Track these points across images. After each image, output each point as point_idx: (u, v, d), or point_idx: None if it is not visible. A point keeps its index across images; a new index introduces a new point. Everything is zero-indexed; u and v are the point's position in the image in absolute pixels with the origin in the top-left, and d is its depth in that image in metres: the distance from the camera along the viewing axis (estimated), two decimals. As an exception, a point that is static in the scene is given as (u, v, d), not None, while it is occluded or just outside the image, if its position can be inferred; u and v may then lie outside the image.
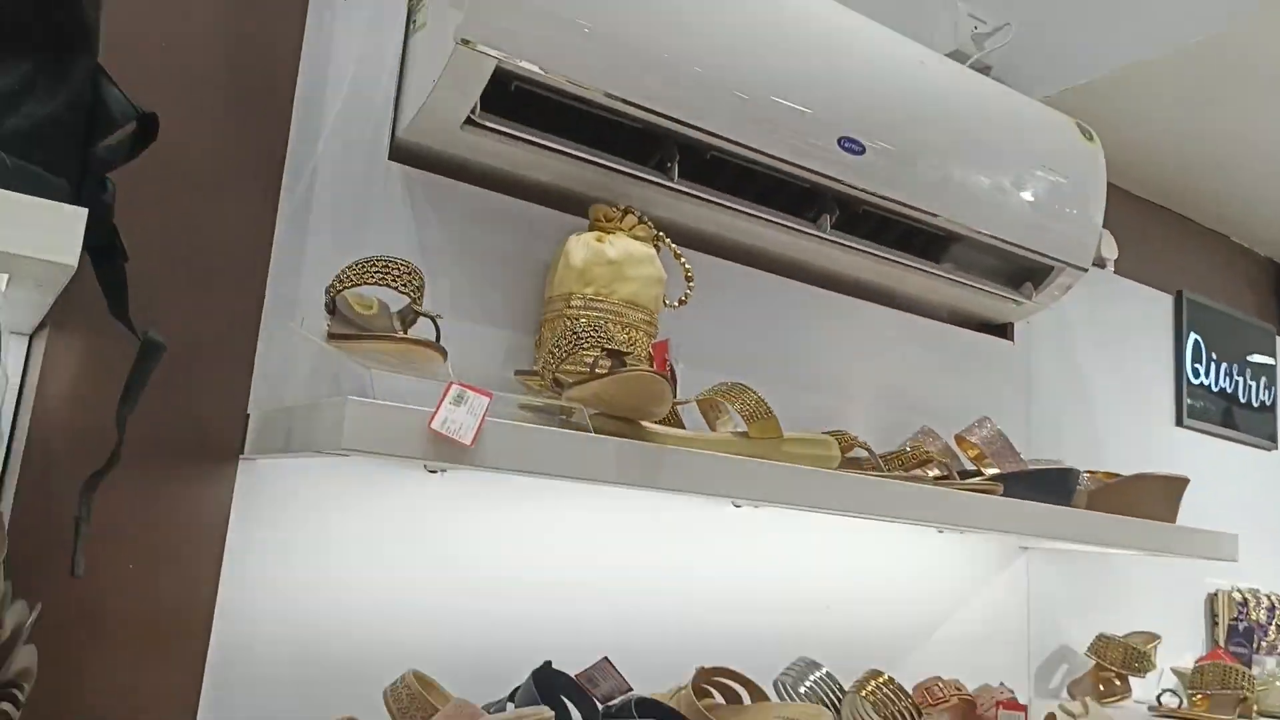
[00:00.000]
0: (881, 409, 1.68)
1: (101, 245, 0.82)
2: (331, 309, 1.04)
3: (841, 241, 1.50)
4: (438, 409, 0.85)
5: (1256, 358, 2.42)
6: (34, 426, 0.92)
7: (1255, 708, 1.77)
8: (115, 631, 0.94)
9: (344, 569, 1.13)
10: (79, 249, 0.71)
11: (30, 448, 0.91)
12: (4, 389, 0.80)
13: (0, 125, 0.72)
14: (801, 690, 1.34)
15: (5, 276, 0.78)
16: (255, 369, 1.07)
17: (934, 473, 1.32)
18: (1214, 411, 2.28)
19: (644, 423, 1.06)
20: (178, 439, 1.00)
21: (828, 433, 1.26)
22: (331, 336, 1.00)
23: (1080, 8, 1.87)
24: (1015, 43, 1.94)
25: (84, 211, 0.70)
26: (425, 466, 1.20)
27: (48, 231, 0.70)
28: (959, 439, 1.50)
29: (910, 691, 1.40)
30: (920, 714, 1.28)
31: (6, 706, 0.70)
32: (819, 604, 1.57)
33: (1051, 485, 1.40)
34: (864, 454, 1.30)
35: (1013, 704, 1.43)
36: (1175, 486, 1.54)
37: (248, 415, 1.06)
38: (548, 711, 1.00)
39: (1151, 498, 1.52)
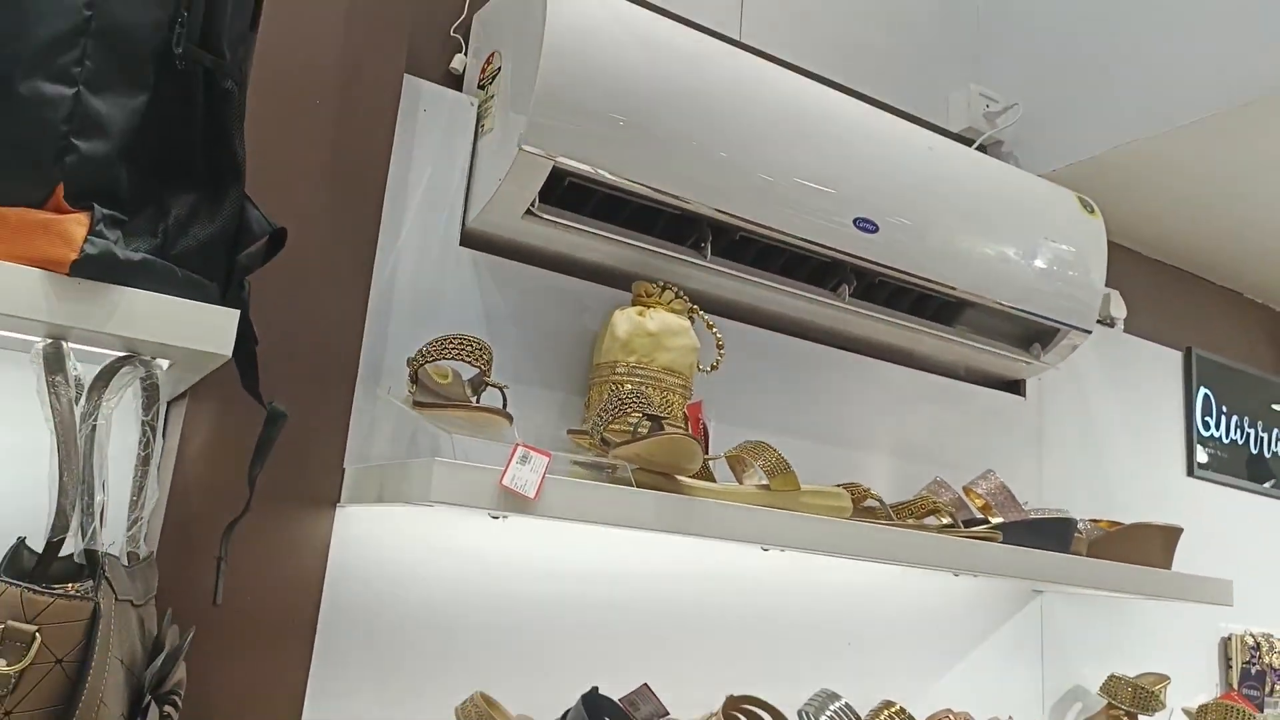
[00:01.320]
0: (900, 462, 1.83)
1: (239, 333, 1.01)
2: (414, 379, 1.22)
3: (859, 310, 1.67)
4: (507, 467, 1.03)
5: (1273, 407, 2.53)
6: (175, 481, 1.11)
7: (1258, 745, 1.87)
8: (235, 642, 1.12)
9: (420, 601, 1.31)
10: (232, 342, 0.90)
11: (172, 499, 1.10)
12: (160, 451, 0.99)
13: (175, 245, 0.91)
14: (822, 719, 1.48)
15: (166, 362, 0.98)
16: (350, 431, 1.26)
17: (942, 521, 1.47)
18: (1225, 462, 2.40)
19: (679, 477, 1.23)
20: (287, 490, 1.19)
21: (843, 485, 1.41)
22: (416, 404, 1.18)
23: (1086, 88, 2.03)
24: (1024, 120, 2.11)
25: (236, 313, 0.90)
26: (489, 514, 1.39)
27: (209, 330, 0.89)
28: (967, 490, 1.65)
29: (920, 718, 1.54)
30: (929, 740, 1.42)
31: (169, 710, 0.88)
32: (840, 640, 1.72)
33: (1050, 532, 1.54)
34: (876, 504, 1.45)
35: (1018, 734, 1.56)
36: (1170, 535, 1.67)
37: (343, 470, 1.24)
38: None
39: (1149, 545, 1.65)
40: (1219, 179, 2.09)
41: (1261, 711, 2.02)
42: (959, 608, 1.89)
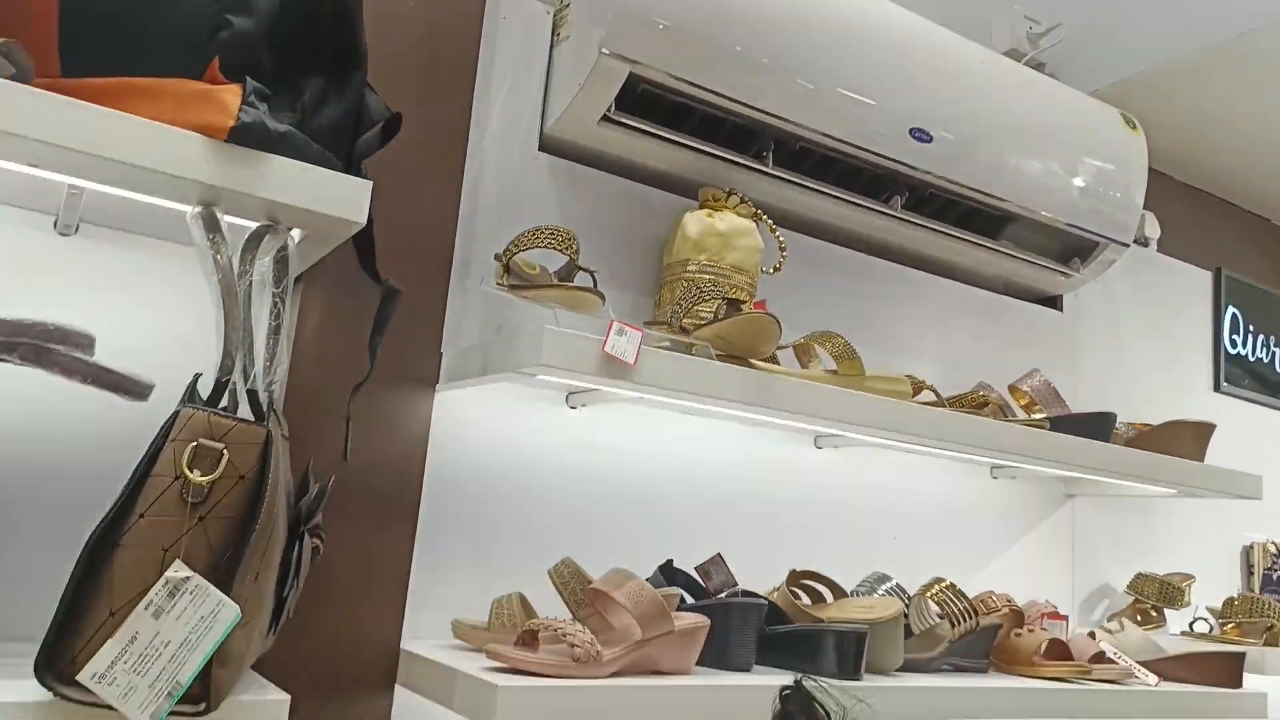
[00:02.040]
0: (943, 370, 1.91)
1: (361, 212, 1.09)
2: (507, 269, 1.31)
3: (910, 219, 1.74)
4: (607, 338, 1.12)
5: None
6: (293, 356, 1.20)
7: (1280, 638, 1.97)
8: (349, 503, 1.22)
9: (510, 480, 1.40)
10: (366, 211, 0.98)
11: (292, 372, 1.19)
12: (287, 330, 1.08)
13: (310, 124, 0.99)
14: (875, 596, 1.58)
15: (299, 235, 1.06)
16: (445, 319, 1.34)
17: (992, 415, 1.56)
18: (1251, 379, 2.47)
19: (753, 360, 1.32)
20: (390, 373, 1.27)
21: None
22: (513, 287, 1.27)
23: (1127, 7, 2.08)
24: (1067, 41, 2.16)
25: (369, 184, 0.98)
26: (568, 403, 1.48)
27: (346, 199, 0.97)
28: (1012, 389, 1.73)
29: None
30: (978, 613, 1.51)
31: (316, 543, 0.98)
32: (886, 533, 1.81)
33: (1092, 427, 1.62)
34: (932, 395, 1.53)
35: (1056, 615, 1.66)
36: (1203, 431, 1.75)
37: (441, 354, 1.33)
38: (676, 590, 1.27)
39: (1182, 441, 1.74)
40: (1253, 101, 2.14)
41: None
42: (995, 509, 1.98)
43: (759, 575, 1.53)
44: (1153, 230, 2.33)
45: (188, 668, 0.77)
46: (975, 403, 1.57)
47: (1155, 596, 2.00)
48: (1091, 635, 1.73)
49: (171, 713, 0.77)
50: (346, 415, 1.08)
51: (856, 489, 1.79)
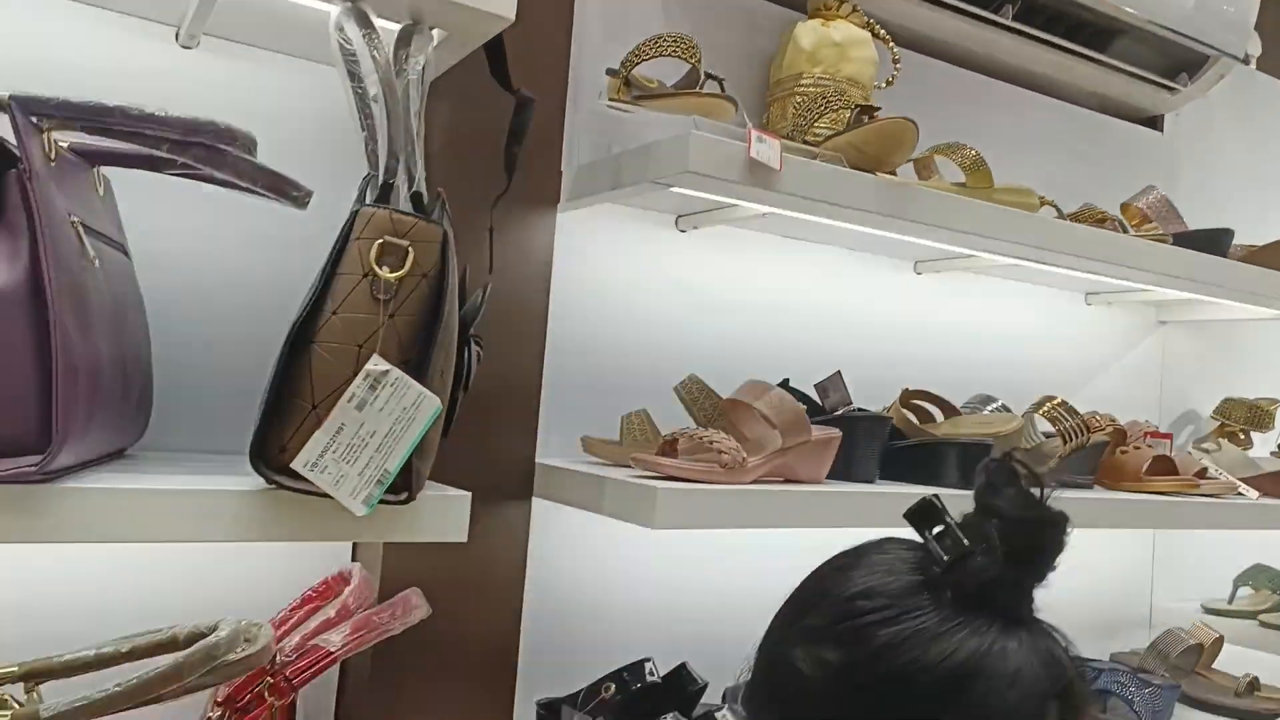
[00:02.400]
0: (1042, 190, 1.85)
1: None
2: (627, 83, 1.26)
3: (1019, 28, 1.66)
4: (749, 143, 1.08)
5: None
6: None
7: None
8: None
9: (631, 298, 1.40)
10: (514, 6, 0.94)
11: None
12: (419, 139, 1.05)
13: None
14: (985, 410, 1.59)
15: (439, 36, 1.02)
16: (565, 135, 1.30)
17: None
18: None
19: (881, 174, 1.28)
20: (514, 191, 1.24)
21: (1018, 192, 1.46)
22: (636, 99, 1.23)
23: None
24: None
25: (514, -20, 0.93)
26: (678, 226, 1.46)
27: (491, -6, 0.92)
28: (1124, 207, 1.69)
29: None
30: (1090, 430, 1.52)
31: (479, 349, 0.98)
32: (983, 359, 1.81)
33: (1210, 242, 1.59)
34: (1053, 210, 1.50)
35: (1159, 433, 1.67)
36: (1316, 248, 1.71)
37: (560, 172, 1.30)
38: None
39: (1295, 259, 1.70)
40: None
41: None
42: (1088, 335, 1.97)
43: (864, 398, 1.53)
44: (1255, 48, 2.22)
45: (394, 457, 0.78)
46: (1094, 218, 1.53)
47: (1243, 420, 1.99)
48: (1190, 455, 1.74)
49: (380, 500, 0.79)
50: (489, 226, 1.07)
51: (955, 315, 1.77)
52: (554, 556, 1.32)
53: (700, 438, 1.13)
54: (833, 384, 1.41)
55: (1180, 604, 2.02)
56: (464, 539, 0.90)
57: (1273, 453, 1.96)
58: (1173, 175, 2.07)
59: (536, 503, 1.27)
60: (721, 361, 1.47)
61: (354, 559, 1.19)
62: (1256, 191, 2.24)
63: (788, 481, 1.21)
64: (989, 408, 1.60)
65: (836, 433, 1.23)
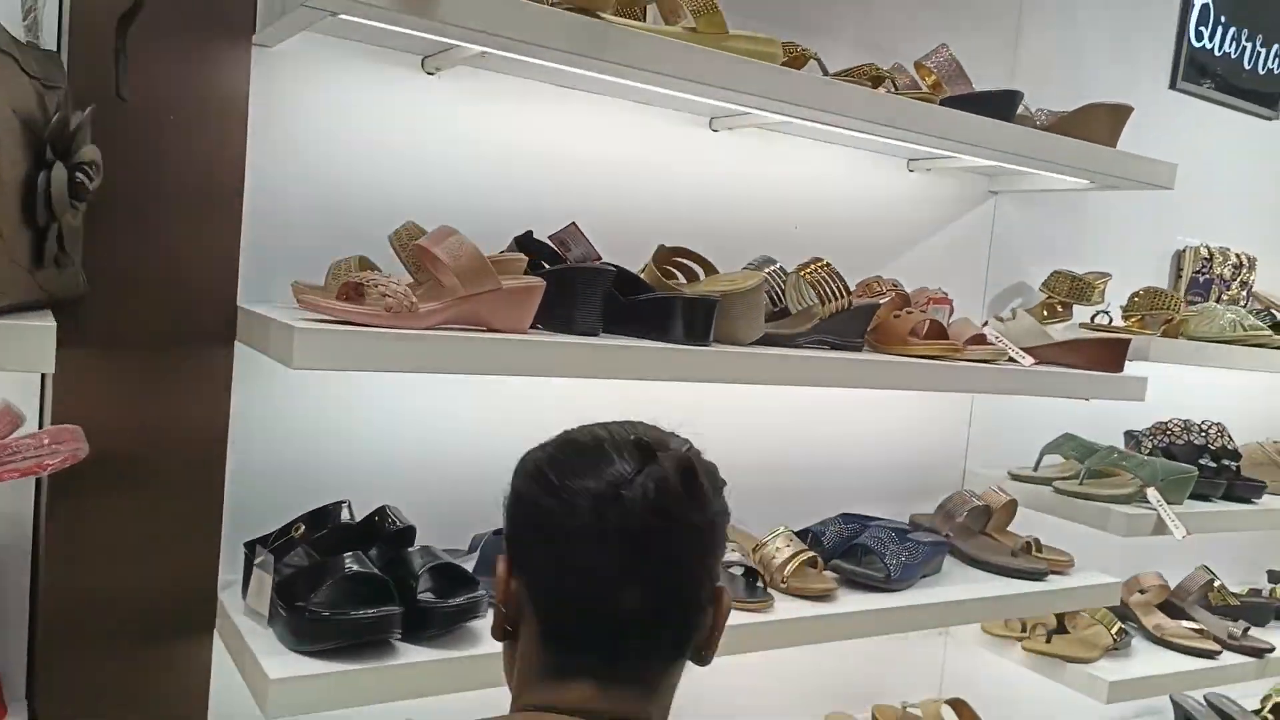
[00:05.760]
0: (863, 50, 1.78)
1: None
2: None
3: None
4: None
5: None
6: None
7: (1184, 331, 1.98)
8: (160, 188, 1.17)
9: (352, 146, 1.35)
10: None
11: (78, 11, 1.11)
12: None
13: None
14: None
15: None
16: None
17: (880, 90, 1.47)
18: (1213, 77, 2.33)
19: (601, 13, 1.22)
20: (192, 16, 1.17)
21: (791, 42, 1.40)
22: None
23: None
24: None
25: None
26: (424, 69, 1.40)
27: None
28: (918, 65, 1.63)
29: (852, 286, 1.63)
30: (850, 293, 1.50)
31: (81, 177, 0.94)
32: (786, 223, 1.78)
33: (994, 104, 1.54)
34: (816, 64, 1.44)
35: (942, 299, 1.65)
36: (1119, 114, 1.66)
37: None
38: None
39: (1097, 126, 1.65)
40: None
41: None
42: (911, 202, 1.93)
43: (634, 247, 1.50)
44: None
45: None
46: (865, 75, 1.47)
47: (1066, 293, 1.98)
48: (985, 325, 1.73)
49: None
50: (114, 47, 1.01)
51: (757, 177, 1.73)
52: (260, 404, 1.31)
53: (374, 281, 1.11)
54: (571, 236, 1.39)
55: (989, 470, 2.05)
56: (50, 369, 0.89)
57: (1082, 324, 1.96)
58: (1017, 37, 2.00)
59: (240, 349, 1.25)
60: (468, 216, 1.43)
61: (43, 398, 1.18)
62: (1110, 57, 2.16)
63: (489, 331, 1.19)
64: (767, 269, 1.58)
65: (535, 282, 1.21)
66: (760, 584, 1.47)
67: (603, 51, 1.16)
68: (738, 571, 1.49)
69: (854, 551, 1.61)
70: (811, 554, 1.54)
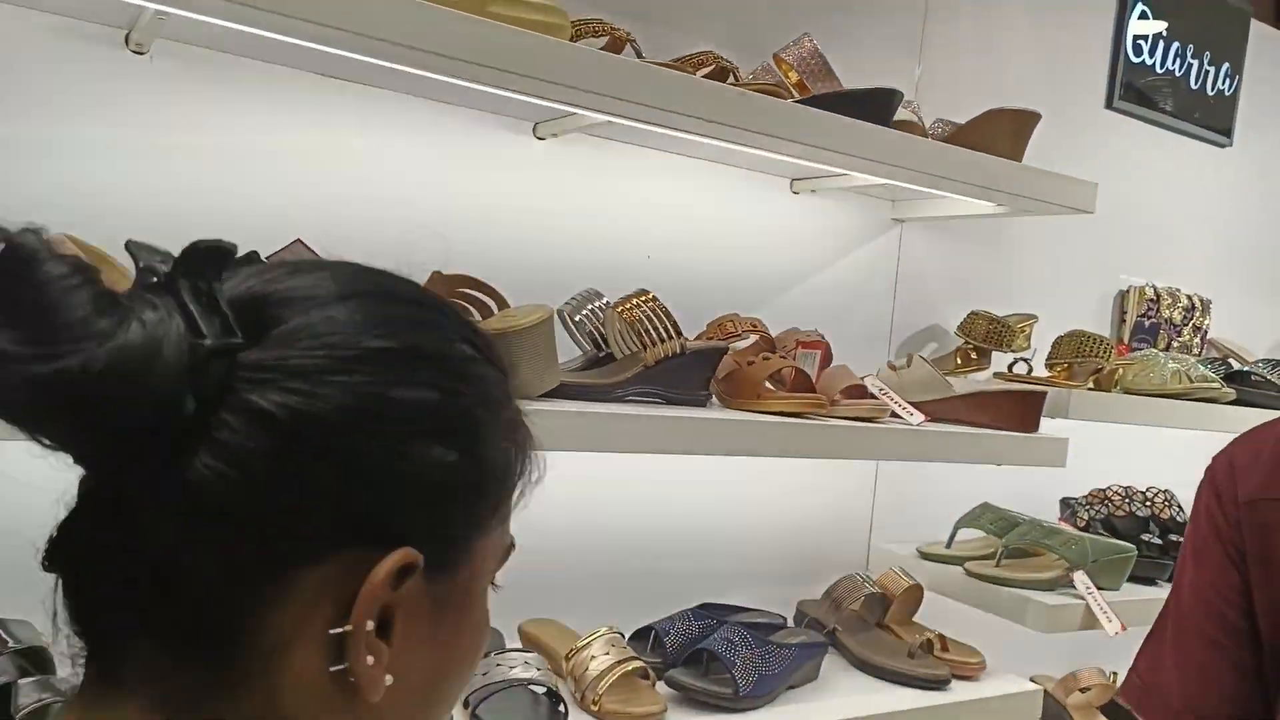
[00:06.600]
0: (726, 34, 1.50)
1: None
2: None
3: None
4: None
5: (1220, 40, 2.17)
6: None
7: (1121, 382, 1.68)
8: None
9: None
10: None
11: None
12: None
13: None
14: (576, 319, 1.27)
15: None
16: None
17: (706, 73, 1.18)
18: (1155, 97, 2.07)
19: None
20: None
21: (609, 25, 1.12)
22: None
23: None
24: None
25: None
26: (131, 49, 1.12)
27: None
28: (776, 58, 1.35)
29: (704, 327, 1.34)
30: (679, 334, 1.21)
31: None
32: (639, 252, 1.48)
33: (868, 104, 1.25)
34: (631, 48, 1.16)
35: (814, 344, 1.36)
36: (1023, 121, 1.39)
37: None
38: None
39: (997, 134, 1.37)
40: None
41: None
42: (798, 230, 1.64)
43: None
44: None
45: None
46: (698, 64, 1.19)
47: (982, 337, 1.69)
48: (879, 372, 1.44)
49: None
50: None
51: (597, 195, 1.44)
52: None
53: None
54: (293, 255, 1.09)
55: (898, 546, 1.74)
56: None
57: (996, 373, 1.66)
58: (917, 34, 1.73)
59: None
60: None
61: None
62: (1037, 69, 1.90)
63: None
64: (589, 306, 1.29)
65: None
66: (562, 708, 1.14)
67: (324, 17, 0.86)
68: (539, 691, 1.16)
69: (698, 657, 1.29)
70: (639, 663, 1.22)
